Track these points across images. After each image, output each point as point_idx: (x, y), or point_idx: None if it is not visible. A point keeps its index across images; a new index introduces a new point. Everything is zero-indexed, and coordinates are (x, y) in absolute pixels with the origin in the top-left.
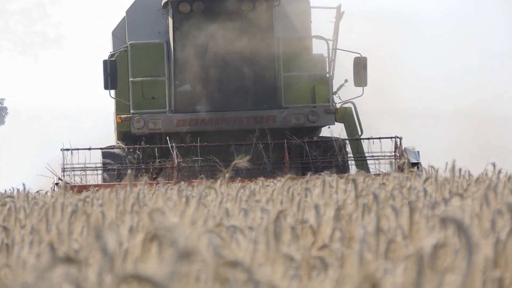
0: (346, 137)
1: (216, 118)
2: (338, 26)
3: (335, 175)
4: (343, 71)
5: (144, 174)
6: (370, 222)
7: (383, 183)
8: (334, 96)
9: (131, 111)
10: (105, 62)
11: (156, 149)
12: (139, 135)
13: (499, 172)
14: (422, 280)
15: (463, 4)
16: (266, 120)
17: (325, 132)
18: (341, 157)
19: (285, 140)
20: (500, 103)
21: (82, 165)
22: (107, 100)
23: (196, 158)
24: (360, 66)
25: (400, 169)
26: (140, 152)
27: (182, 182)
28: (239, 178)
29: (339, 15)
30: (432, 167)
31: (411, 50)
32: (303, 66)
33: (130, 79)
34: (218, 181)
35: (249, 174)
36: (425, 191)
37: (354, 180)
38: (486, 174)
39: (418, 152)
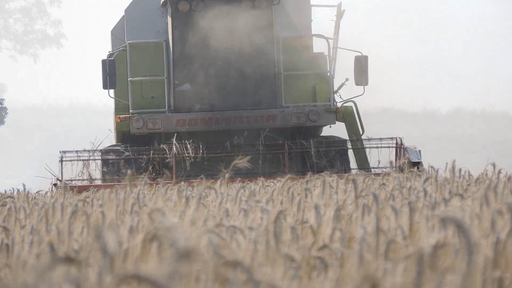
0: (347, 137)
1: (215, 117)
2: (338, 25)
3: (335, 175)
4: (344, 70)
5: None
6: (370, 222)
7: (383, 183)
8: (335, 95)
9: (130, 111)
10: (103, 61)
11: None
12: (138, 135)
13: (499, 172)
14: (422, 280)
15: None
16: (266, 119)
17: (326, 131)
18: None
19: (286, 141)
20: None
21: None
22: (107, 100)
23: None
24: (361, 64)
25: (400, 169)
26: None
27: (182, 182)
28: (239, 178)
29: (340, 13)
30: (432, 167)
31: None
32: (304, 65)
33: (129, 79)
34: (218, 181)
35: (251, 174)
36: (425, 191)
37: (354, 181)
38: (486, 174)
39: (419, 151)
